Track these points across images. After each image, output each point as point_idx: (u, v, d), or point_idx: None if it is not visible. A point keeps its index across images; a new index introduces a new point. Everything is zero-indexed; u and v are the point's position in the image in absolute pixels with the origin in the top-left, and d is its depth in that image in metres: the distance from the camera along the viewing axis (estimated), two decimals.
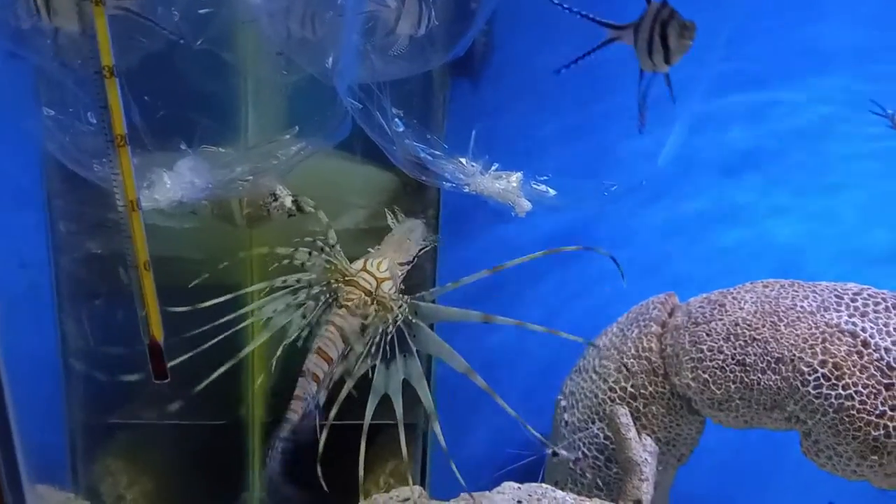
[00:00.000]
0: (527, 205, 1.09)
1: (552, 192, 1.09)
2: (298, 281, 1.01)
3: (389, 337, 0.97)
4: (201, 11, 1.08)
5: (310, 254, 1.02)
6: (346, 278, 0.98)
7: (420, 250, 1.08)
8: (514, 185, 1.08)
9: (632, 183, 1.26)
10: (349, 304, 0.96)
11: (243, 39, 1.16)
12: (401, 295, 1.00)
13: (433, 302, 1.02)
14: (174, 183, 1.01)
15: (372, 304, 0.97)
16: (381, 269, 0.98)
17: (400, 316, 0.97)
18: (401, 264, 1.01)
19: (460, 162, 1.06)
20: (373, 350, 0.98)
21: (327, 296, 0.99)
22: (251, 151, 1.11)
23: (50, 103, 1.08)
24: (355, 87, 1.03)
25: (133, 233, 0.84)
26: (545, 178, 1.10)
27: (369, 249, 1.02)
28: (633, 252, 1.62)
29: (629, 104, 1.45)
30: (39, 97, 1.12)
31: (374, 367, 0.99)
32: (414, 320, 0.98)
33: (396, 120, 1.04)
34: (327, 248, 1.01)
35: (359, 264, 0.99)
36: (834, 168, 1.60)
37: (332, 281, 0.99)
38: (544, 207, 1.10)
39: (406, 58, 1.08)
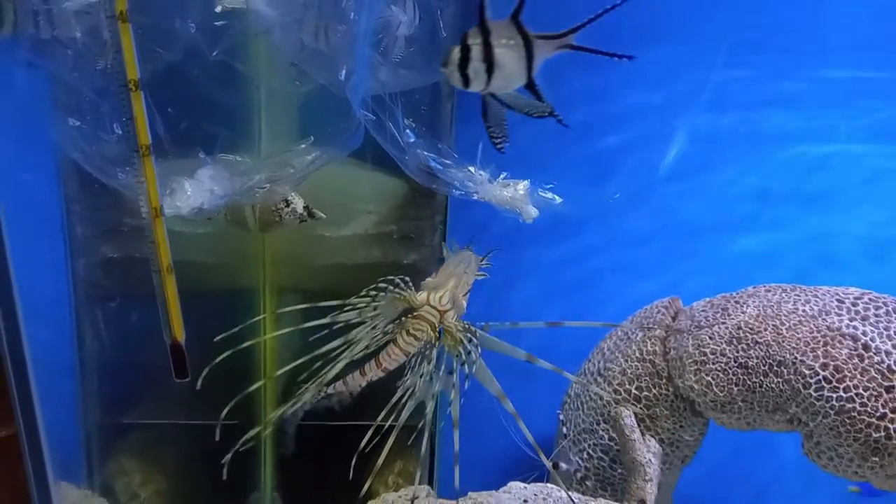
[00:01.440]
0: (534, 212, 1.11)
1: (558, 199, 1.12)
2: (361, 312, 1.06)
3: (463, 358, 1.03)
4: (217, 24, 1.10)
5: (383, 292, 1.07)
6: (414, 313, 1.03)
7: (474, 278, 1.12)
8: (522, 192, 1.10)
9: (628, 192, 1.28)
10: (417, 333, 1.02)
11: (256, 51, 1.18)
12: (462, 321, 1.06)
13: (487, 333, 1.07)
14: (195, 191, 1.03)
15: (435, 334, 1.03)
16: (443, 302, 1.03)
17: (471, 342, 1.04)
18: (463, 295, 1.07)
19: (469, 170, 1.09)
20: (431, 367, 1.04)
21: (392, 324, 1.05)
22: (267, 160, 1.13)
23: (70, 112, 1.10)
24: (368, 100, 1.06)
25: (156, 238, 0.87)
26: (551, 185, 1.13)
27: (427, 279, 1.07)
28: (639, 256, 1.64)
29: (633, 108, 1.47)
30: (59, 106, 1.14)
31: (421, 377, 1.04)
32: (470, 345, 1.04)
33: (408, 131, 1.07)
34: (400, 285, 1.05)
35: (423, 297, 1.04)
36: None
37: (399, 314, 1.05)
38: (550, 215, 1.12)
39: (416, 68, 1.10)
